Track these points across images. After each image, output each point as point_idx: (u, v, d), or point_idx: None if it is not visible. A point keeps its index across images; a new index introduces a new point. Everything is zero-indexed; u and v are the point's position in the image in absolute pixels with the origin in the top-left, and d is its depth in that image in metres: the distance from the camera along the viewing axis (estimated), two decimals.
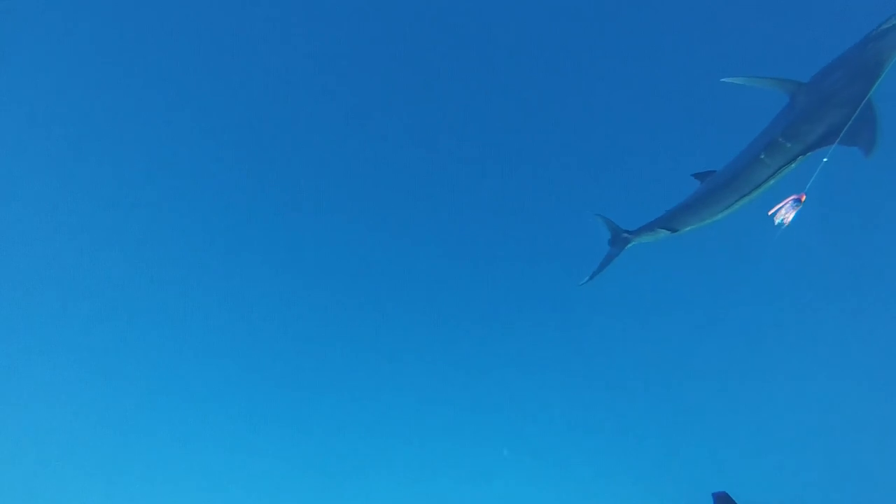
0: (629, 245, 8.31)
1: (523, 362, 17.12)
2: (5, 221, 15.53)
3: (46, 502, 16.68)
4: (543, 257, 16.90)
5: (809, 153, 6.17)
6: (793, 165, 6.30)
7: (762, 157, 6.42)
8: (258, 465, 17.13)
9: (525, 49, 16.10)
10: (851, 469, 14.74)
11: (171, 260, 16.56)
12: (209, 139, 16.18)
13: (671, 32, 15.57)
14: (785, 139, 6.27)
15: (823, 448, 15.09)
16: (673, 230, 7.34)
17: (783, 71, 6.58)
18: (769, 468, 15.08)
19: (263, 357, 17.31)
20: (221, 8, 15.43)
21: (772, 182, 6.47)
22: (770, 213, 5.72)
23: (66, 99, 15.20)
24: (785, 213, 5.66)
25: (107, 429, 17.21)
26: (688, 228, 7.31)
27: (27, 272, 16.09)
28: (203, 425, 17.22)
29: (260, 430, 17.23)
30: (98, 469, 17.11)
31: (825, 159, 5.72)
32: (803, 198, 5.56)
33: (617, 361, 16.63)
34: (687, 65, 15.60)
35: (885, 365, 15.50)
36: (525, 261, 17.13)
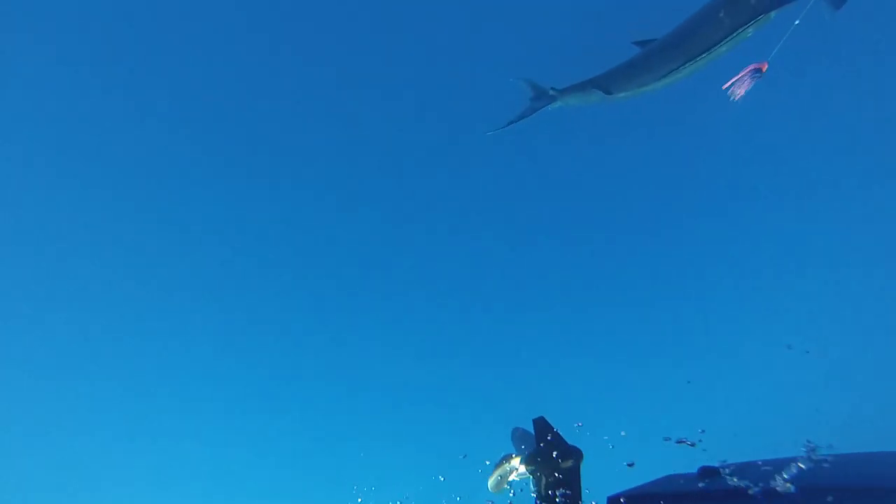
0: (555, 105, 6.88)
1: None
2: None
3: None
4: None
5: (775, 11, 5.14)
6: (753, 26, 5.27)
7: (720, 14, 5.33)
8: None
9: None
10: None
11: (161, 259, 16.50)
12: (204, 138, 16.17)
13: None
14: None
15: None
16: (607, 92, 6.27)
17: None
18: None
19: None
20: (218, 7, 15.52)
21: (726, 46, 5.40)
22: (725, 86, 4.77)
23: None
24: (743, 85, 4.73)
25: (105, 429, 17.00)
26: (623, 94, 6.24)
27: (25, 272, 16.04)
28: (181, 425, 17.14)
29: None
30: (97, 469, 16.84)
31: (797, 21, 4.81)
32: (765, 67, 4.66)
33: None
34: None
35: None
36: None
